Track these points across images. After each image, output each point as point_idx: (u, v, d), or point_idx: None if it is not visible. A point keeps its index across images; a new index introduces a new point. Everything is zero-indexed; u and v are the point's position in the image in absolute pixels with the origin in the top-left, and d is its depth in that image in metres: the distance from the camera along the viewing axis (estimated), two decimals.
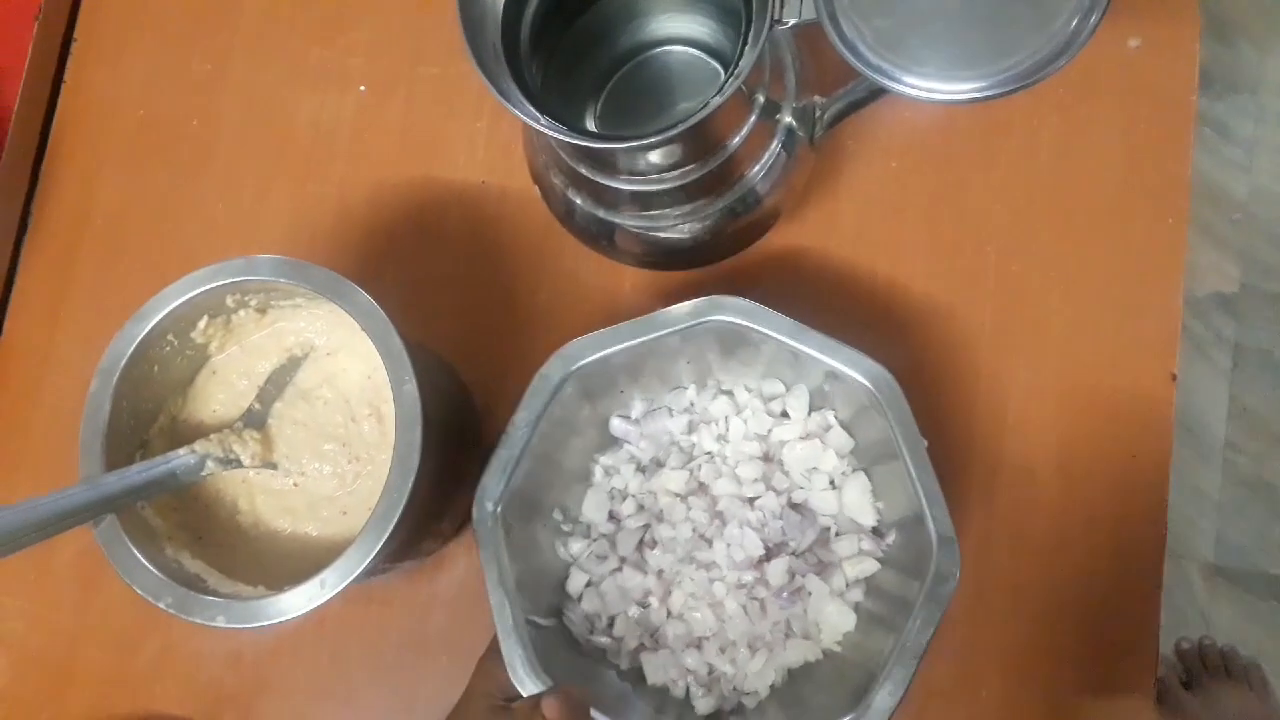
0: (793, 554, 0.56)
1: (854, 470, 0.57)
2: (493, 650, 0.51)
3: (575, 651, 0.56)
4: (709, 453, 0.58)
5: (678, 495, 0.57)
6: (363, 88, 0.71)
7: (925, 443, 0.50)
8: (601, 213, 0.55)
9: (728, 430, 0.58)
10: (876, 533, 0.57)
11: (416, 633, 0.64)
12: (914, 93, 0.42)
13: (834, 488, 0.57)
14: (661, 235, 0.56)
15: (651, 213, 0.54)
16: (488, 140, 0.69)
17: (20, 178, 0.72)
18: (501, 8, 0.48)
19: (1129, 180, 0.64)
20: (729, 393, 0.59)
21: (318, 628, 0.64)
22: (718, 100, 0.44)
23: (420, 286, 0.67)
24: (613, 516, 0.59)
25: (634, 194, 0.53)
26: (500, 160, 0.68)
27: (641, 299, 0.65)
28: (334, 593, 0.47)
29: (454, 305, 0.67)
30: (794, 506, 0.57)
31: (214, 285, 0.52)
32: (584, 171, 0.52)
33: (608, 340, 0.52)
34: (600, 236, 0.58)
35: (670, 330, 0.52)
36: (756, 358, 0.56)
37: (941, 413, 0.62)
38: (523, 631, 0.50)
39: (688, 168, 0.51)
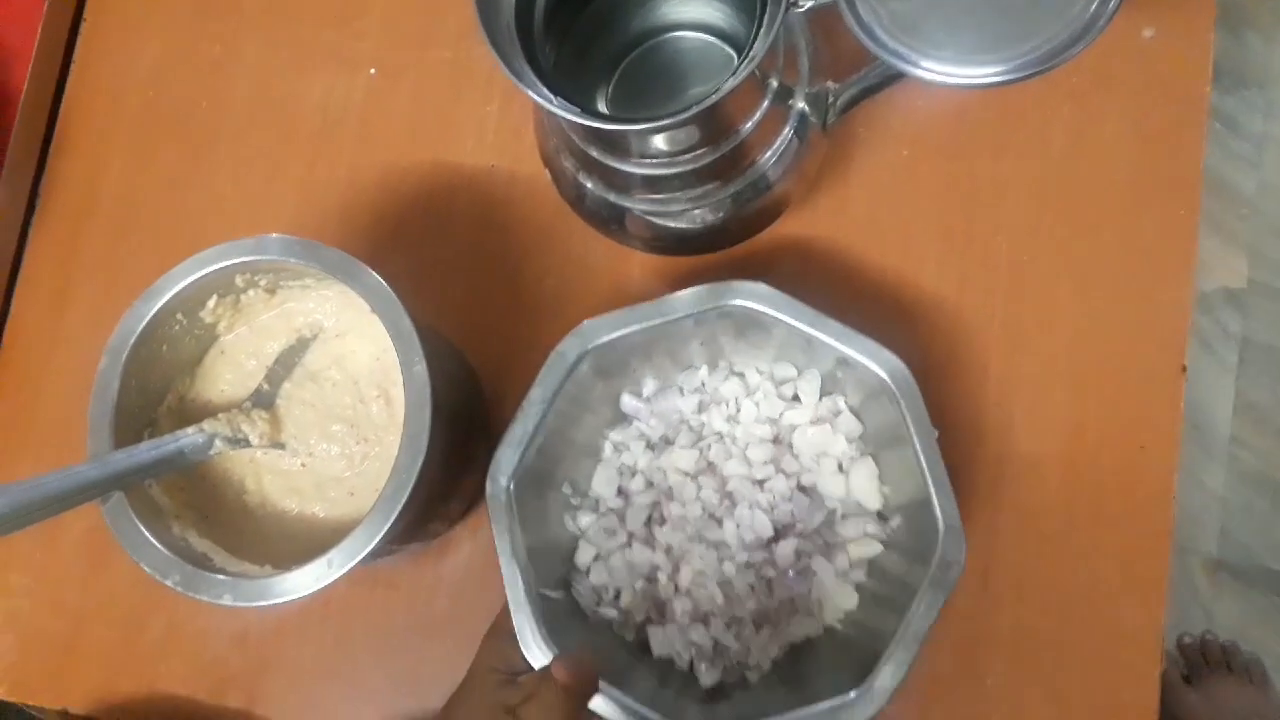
0: (800, 535, 0.56)
1: (862, 455, 0.58)
2: (498, 627, 0.51)
3: (582, 623, 0.56)
4: (718, 433, 0.59)
5: (687, 474, 0.58)
6: (373, 71, 0.70)
7: (936, 432, 0.51)
8: (612, 197, 0.55)
9: (738, 412, 0.59)
10: (881, 516, 0.57)
11: (422, 615, 0.64)
12: (931, 76, 0.42)
13: (842, 472, 0.58)
14: (672, 220, 0.56)
15: (662, 197, 0.54)
16: (498, 124, 0.68)
17: (29, 158, 0.72)
18: None
19: (1141, 171, 0.63)
20: (740, 375, 0.60)
21: (323, 609, 0.64)
22: (731, 83, 0.44)
23: (428, 270, 0.67)
24: (622, 492, 0.59)
25: (645, 178, 0.53)
26: (510, 145, 0.68)
27: (650, 284, 0.65)
28: (341, 572, 0.47)
29: (462, 289, 0.67)
30: (803, 489, 0.57)
31: (223, 265, 0.52)
32: (595, 155, 0.52)
33: (624, 320, 0.53)
34: (610, 221, 0.57)
35: (688, 313, 0.53)
36: (768, 341, 0.56)
37: (949, 401, 0.62)
38: (535, 603, 0.50)
39: (699, 152, 0.51)
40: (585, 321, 0.53)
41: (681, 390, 0.60)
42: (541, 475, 0.55)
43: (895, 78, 0.51)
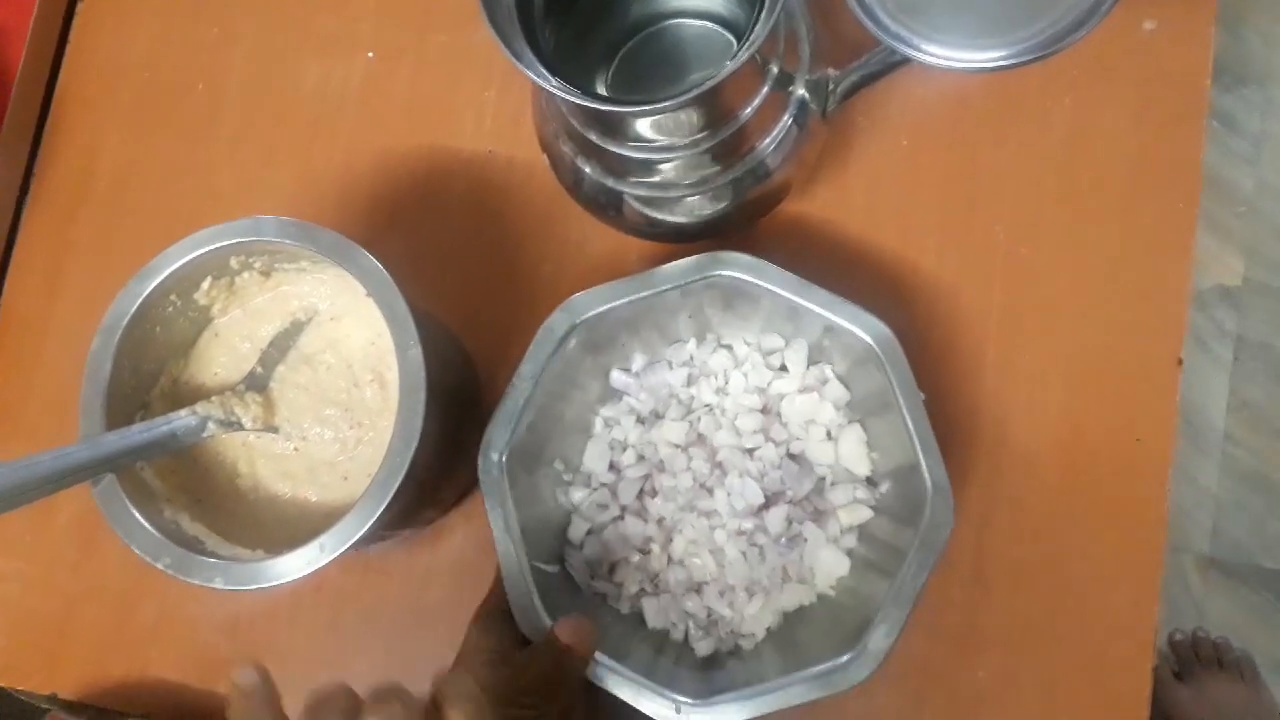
0: (790, 502, 0.57)
1: (849, 422, 0.58)
2: (489, 609, 0.51)
3: (577, 596, 0.57)
4: (708, 405, 0.59)
5: (678, 446, 0.58)
6: (370, 54, 0.70)
7: (923, 396, 0.51)
8: (610, 182, 0.55)
9: (727, 383, 0.59)
10: (870, 482, 0.58)
11: (415, 602, 0.63)
12: (934, 61, 0.41)
13: (830, 439, 0.58)
14: (670, 206, 0.55)
15: (660, 182, 0.54)
16: (496, 109, 0.68)
17: (23, 139, 0.71)
18: None
19: (1140, 163, 0.63)
20: (728, 347, 0.60)
21: (315, 595, 0.64)
22: (731, 67, 0.43)
23: (425, 255, 0.67)
24: (613, 467, 0.60)
25: (643, 163, 0.52)
26: (508, 130, 0.67)
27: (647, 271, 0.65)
28: (333, 556, 0.47)
29: (459, 275, 0.66)
30: (792, 457, 0.58)
31: (219, 245, 0.51)
32: (594, 139, 0.52)
33: (612, 294, 0.53)
34: (608, 206, 0.57)
35: (675, 285, 0.53)
36: (755, 312, 0.57)
37: (946, 391, 0.62)
38: (529, 576, 0.51)
39: (698, 137, 0.50)
40: (573, 296, 0.53)
41: (670, 364, 0.60)
42: (532, 452, 0.56)
43: (896, 65, 0.51)
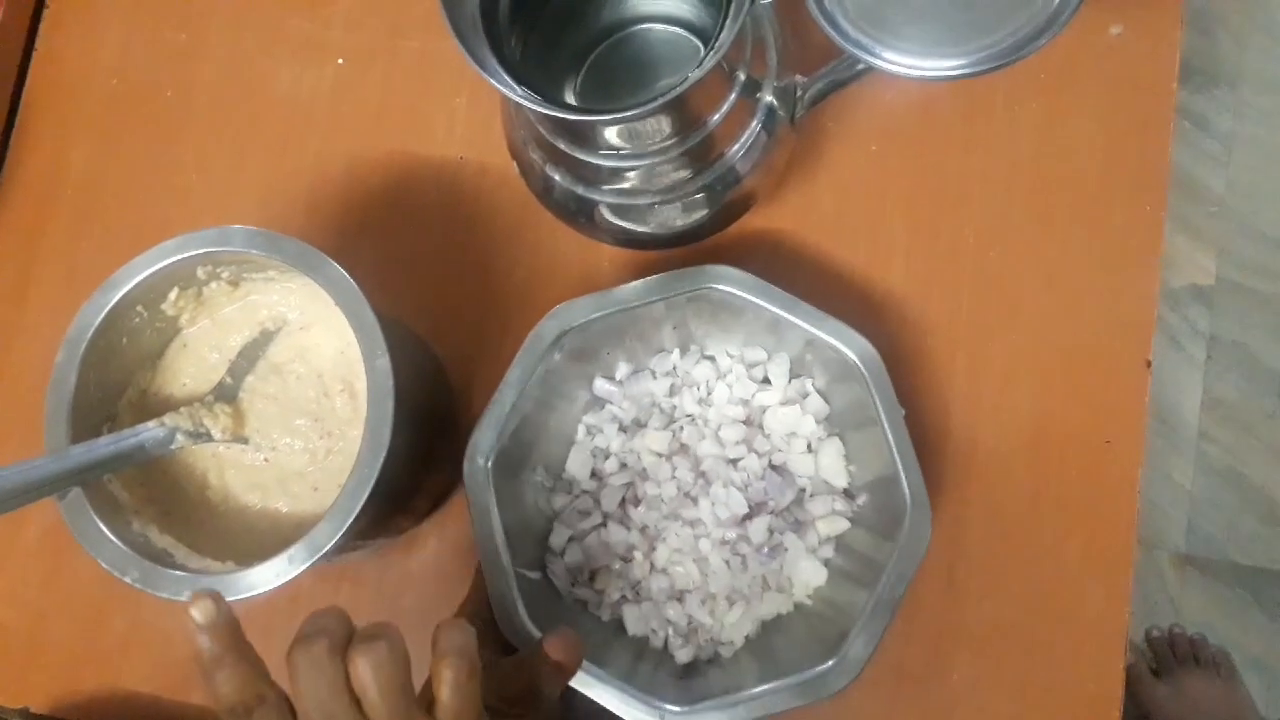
0: (772, 513, 0.58)
1: (829, 435, 0.59)
2: (468, 614, 0.51)
3: (558, 603, 0.57)
4: (690, 415, 0.60)
5: (660, 455, 0.59)
6: (341, 60, 0.70)
7: (904, 411, 0.52)
8: (580, 189, 0.55)
9: (710, 394, 0.60)
10: (848, 494, 0.58)
11: (389, 611, 0.63)
12: (893, 68, 0.42)
13: (810, 451, 0.59)
14: (640, 213, 0.56)
15: (630, 189, 0.54)
16: (467, 116, 0.68)
17: None
18: None
19: (1108, 167, 0.64)
20: (711, 358, 0.61)
21: (289, 606, 0.63)
22: (697, 74, 0.43)
23: (396, 262, 0.66)
24: (595, 474, 0.60)
25: (613, 170, 0.52)
26: (479, 136, 0.67)
27: (619, 277, 0.65)
28: (303, 568, 0.47)
29: (430, 281, 0.66)
30: (774, 468, 0.58)
31: (185, 255, 0.51)
32: (562, 147, 0.52)
33: (601, 303, 0.54)
34: (579, 214, 0.57)
35: (662, 297, 0.54)
36: (738, 324, 0.57)
37: (917, 396, 0.62)
38: (513, 581, 0.51)
39: (667, 144, 0.51)
40: (561, 304, 0.54)
41: (654, 374, 0.60)
42: (515, 459, 0.56)
43: (862, 73, 0.51)
